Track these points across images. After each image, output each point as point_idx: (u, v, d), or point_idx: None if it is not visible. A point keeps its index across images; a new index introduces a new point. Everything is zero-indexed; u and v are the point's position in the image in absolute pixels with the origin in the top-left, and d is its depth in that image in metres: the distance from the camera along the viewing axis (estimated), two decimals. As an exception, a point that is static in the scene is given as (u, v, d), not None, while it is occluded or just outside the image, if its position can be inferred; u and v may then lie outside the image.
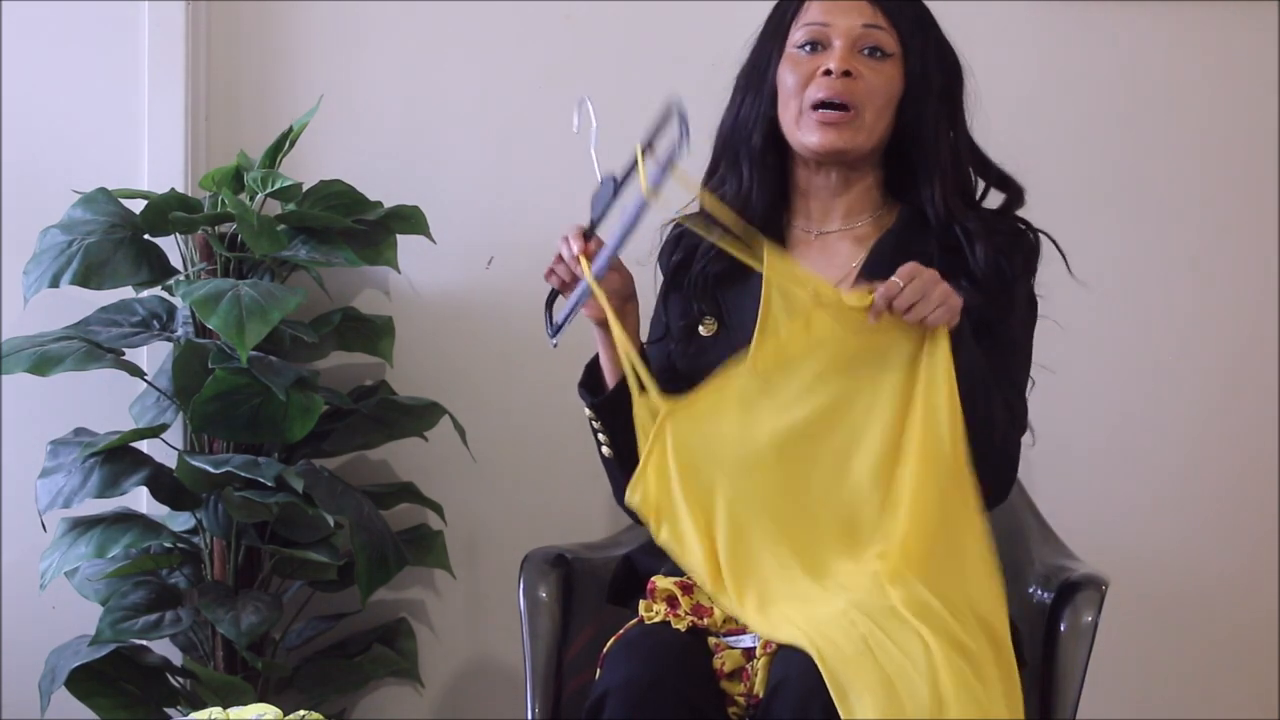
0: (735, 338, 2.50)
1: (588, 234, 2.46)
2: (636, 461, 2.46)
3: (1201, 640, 3.29)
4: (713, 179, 2.62)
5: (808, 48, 2.53)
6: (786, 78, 2.54)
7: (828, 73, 2.50)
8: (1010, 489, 2.50)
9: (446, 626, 3.32)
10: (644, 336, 2.59)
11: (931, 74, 2.54)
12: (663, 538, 2.39)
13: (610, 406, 2.49)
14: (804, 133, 2.52)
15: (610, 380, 2.52)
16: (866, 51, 2.52)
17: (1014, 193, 2.60)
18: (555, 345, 2.52)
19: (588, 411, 2.53)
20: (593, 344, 2.53)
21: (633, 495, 2.40)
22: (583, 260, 2.44)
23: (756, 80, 2.57)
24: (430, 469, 3.26)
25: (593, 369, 2.55)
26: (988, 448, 2.38)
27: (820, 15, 2.53)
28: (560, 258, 2.47)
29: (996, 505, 2.45)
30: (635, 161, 2.40)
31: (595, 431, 2.54)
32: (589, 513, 3.19)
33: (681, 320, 2.59)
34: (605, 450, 2.53)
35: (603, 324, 2.49)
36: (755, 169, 2.57)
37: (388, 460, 3.29)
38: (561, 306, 2.50)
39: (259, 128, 3.23)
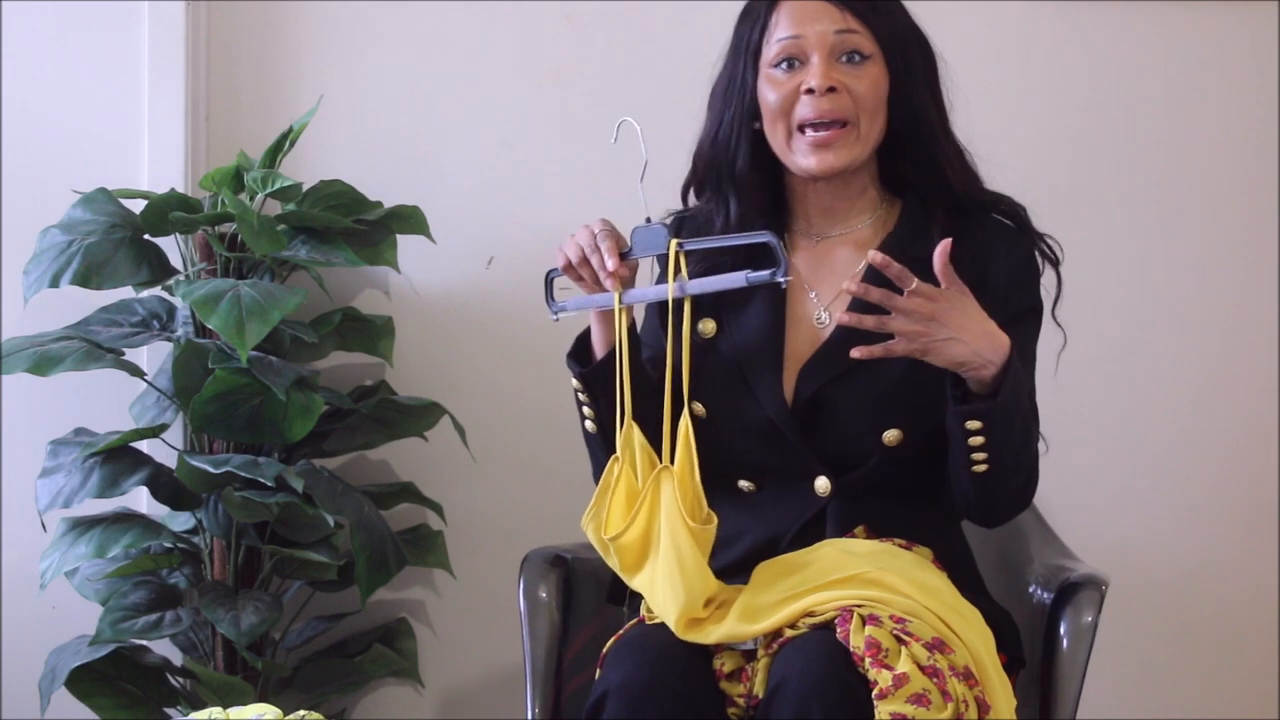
0: (734, 339, 2.49)
1: (623, 254, 2.39)
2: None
3: (1201, 640, 3.29)
4: (699, 198, 2.57)
5: (784, 64, 2.45)
6: (768, 96, 2.46)
7: (810, 91, 2.43)
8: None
9: (446, 626, 3.32)
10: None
11: (914, 64, 2.47)
12: (637, 582, 2.35)
13: (599, 376, 2.43)
14: (797, 156, 2.45)
15: (600, 352, 2.46)
16: (845, 58, 2.44)
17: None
18: (557, 320, 2.48)
19: (575, 382, 2.46)
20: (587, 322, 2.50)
21: (594, 524, 2.34)
22: (618, 283, 2.39)
23: (734, 98, 2.49)
24: (430, 469, 3.26)
25: (583, 340, 2.49)
26: (1030, 481, 2.43)
27: (790, 28, 2.45)
28: (585, 260, 2.40)
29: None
30: (675, 258, 2.37)
31: (580, 405, 2.48)
32: (589, 513, 3.19)
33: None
34: (589, 425, 2.48)
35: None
36: (743, 197, 2.50)
37: (388, 460, 3.29)
38: (562, 283, 2.45)
39: (259, 128, 3.23)
